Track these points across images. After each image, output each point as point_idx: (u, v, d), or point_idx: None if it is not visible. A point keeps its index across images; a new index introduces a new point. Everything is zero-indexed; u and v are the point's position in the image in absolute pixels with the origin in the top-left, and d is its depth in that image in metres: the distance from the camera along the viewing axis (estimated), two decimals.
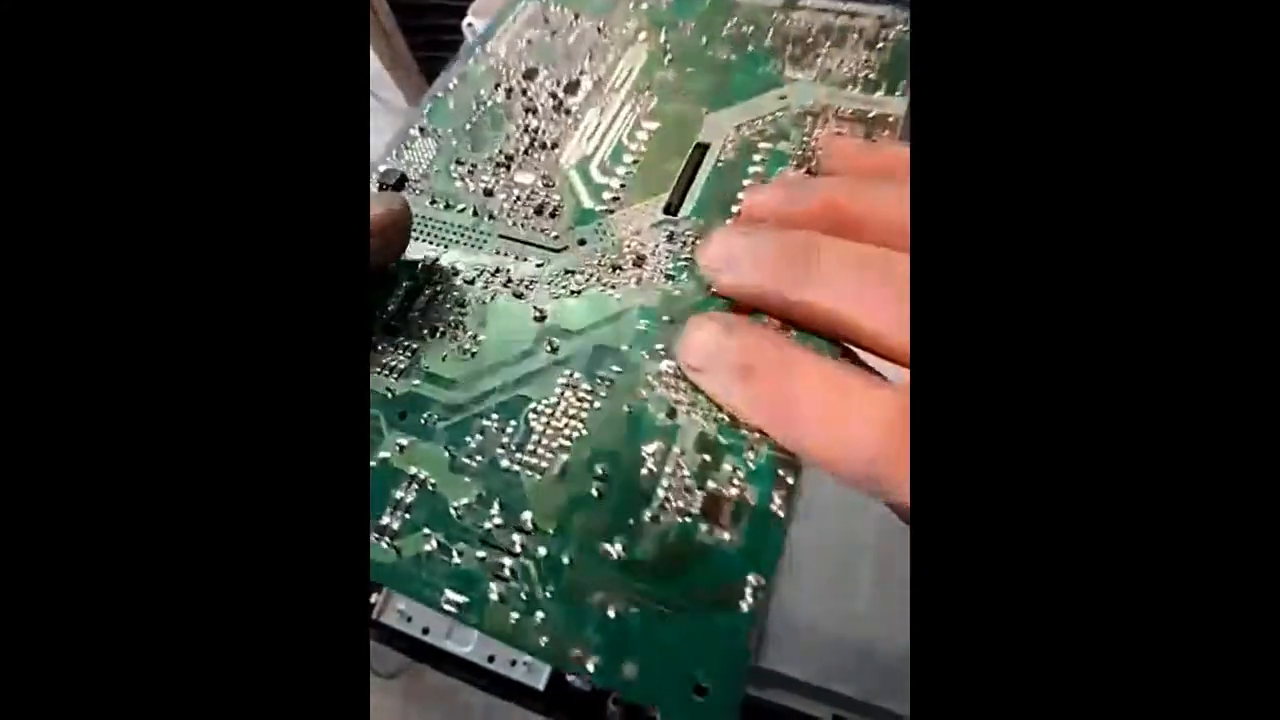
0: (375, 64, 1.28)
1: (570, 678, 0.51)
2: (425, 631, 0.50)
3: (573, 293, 0.19)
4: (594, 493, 0.15)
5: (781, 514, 0.14)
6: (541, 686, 0.48)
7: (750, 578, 0.13)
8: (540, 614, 0.14)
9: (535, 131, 0.23)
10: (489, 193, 0.22)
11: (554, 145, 0.23)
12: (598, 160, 0.22)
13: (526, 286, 0.20)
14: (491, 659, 0.49)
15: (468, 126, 0.24)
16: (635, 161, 0.22)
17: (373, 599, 0.52)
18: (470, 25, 0.84)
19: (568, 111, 0.24)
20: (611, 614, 0.13)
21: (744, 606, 0.13)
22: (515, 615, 0.14)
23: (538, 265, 0.20)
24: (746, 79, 0.23)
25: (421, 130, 0.25)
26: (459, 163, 0.23)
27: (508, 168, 0.23)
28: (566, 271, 0.20)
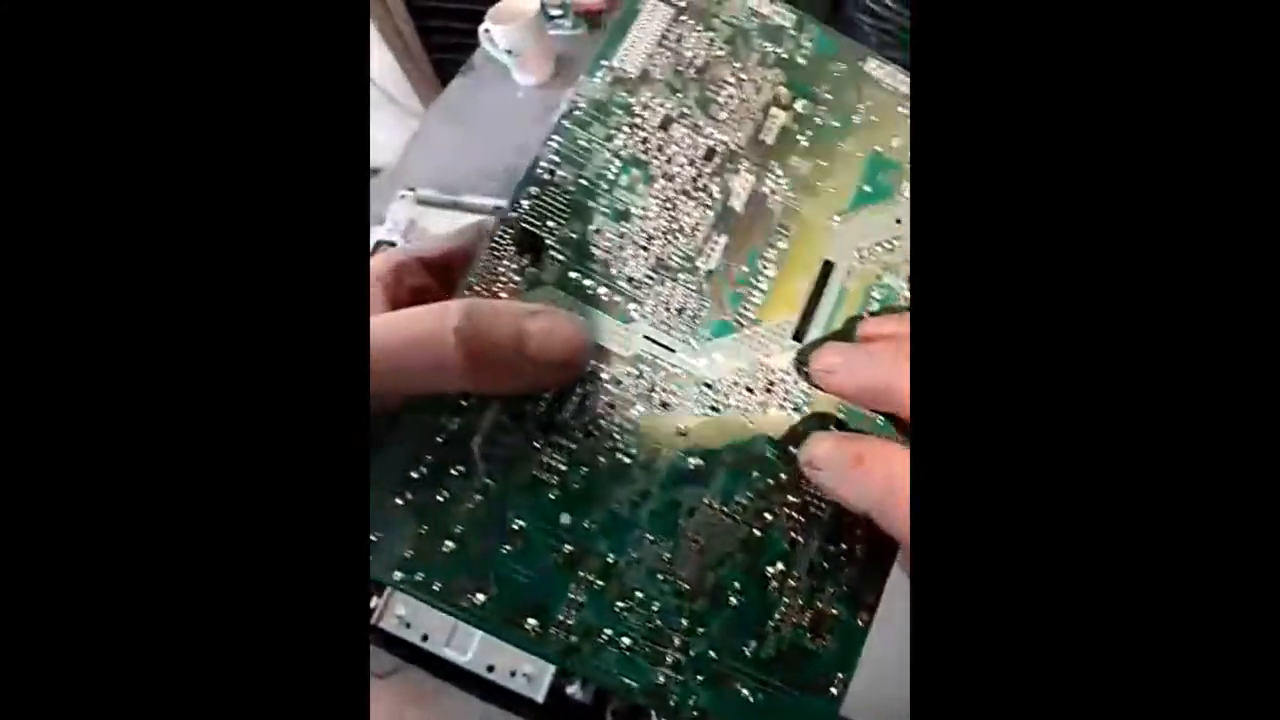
0: (391, 64, 1.29)
1: (570, 689, 0.50)
2: (425, 639, 0.50)
3: (711, 409, 0.20)
4: (732, 602, 0.19)
5: (864, 626, 0.19)
6: (541, 698, 0.48)
7: (839, 674, 0.19)
8: (693, 697, 0.19)
9: (673, 207, 0.21)
10: (633, 282, 0.20)
11: (693, 230, 0.21)
12: (736, 270, 0.21)
13: (670, 394, 0.20)
14: (491, 669, 0.49)
15: (603, 182, 0.21)
16: (768, 270, 0.21)
17: (373, 603, 0.51)
18: (487, 31, 0.85)
19: (704, 189, 0.21)
20: (745, 694, 0.19)
21: (834, 693, 0.19)
22: (674, 698, 0.19)
23: (676, 369, 0.20)
24: (870, 189, 0.23)
25: (541, 174, 0.20)
26: (596, 233, 0.20)
27: (646, 249, 0.21)
28: (705, 385, 0.20)
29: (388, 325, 0.16)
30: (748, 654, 0.19)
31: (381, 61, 1.22)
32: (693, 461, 0.20)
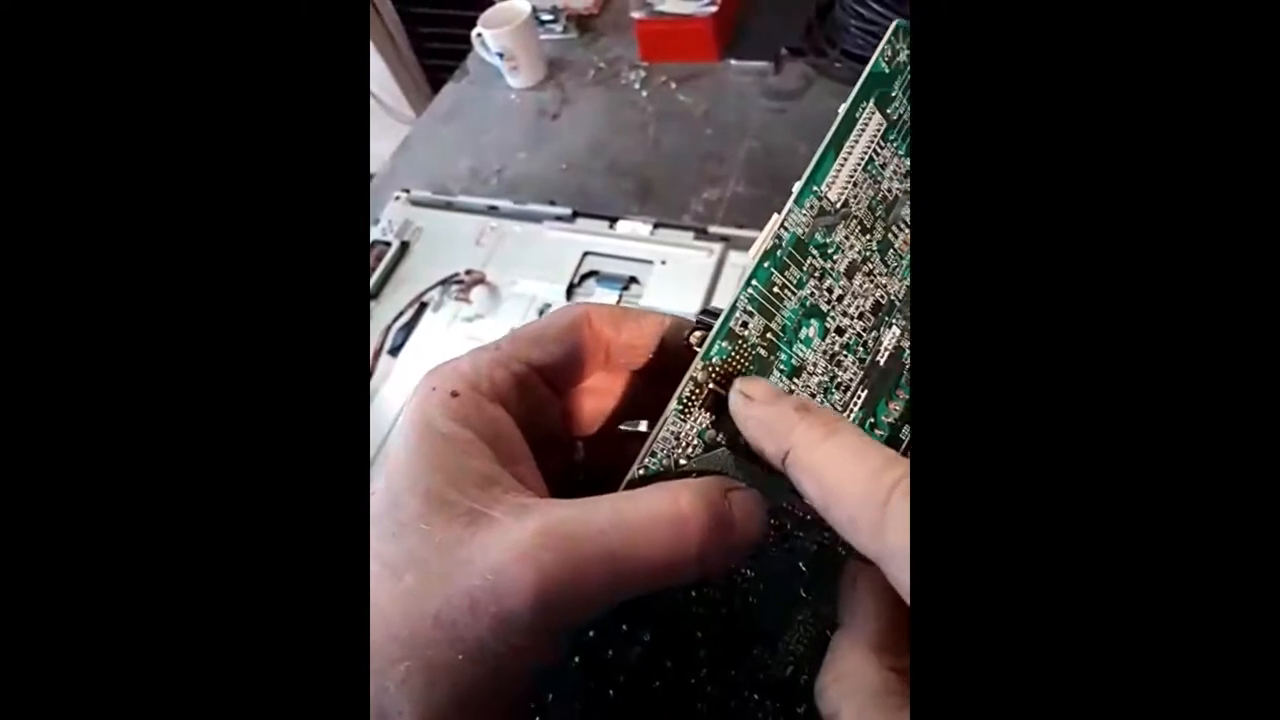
0: (383, 72, 1.29)
1: None
2: None
3: (819, 544, 0.21)
4: None
5: None
6: None
7: None
8: None
9: (836, 364, 0.20)
10: None
11: (845, 387, 0.21)
12: (865, 421, 0.22)
13: (798, 541, 0.21)
14: None
15: (786, 334, 0.19)
16: (888, 418, 0.22)
17: None
18: (480, 35, 0.85)
19: (864, 343, 0.21)
20: None
21: None
22: None
23: (804, 517, 0.21)
24: None
25: (735, 327, 0.19)
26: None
27: (807, 409, 0.20)
28: (819, 536, 0.21)
29: (621, 528, 0.15)
30: None
31: (374, 69, 1.23)
32: (801, 591, 0.21)
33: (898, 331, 0.22)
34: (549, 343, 0.19)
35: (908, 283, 0.21)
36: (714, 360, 0.18)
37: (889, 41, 0.20)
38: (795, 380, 0.20)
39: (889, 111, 0.20)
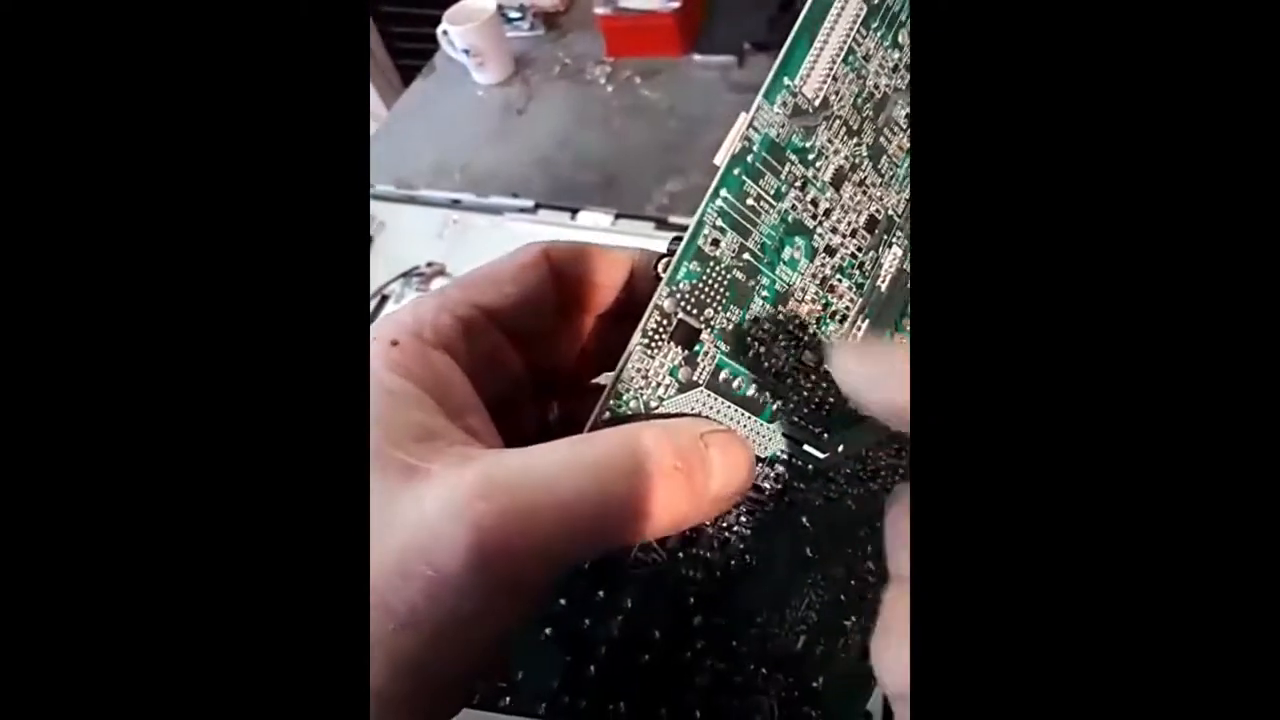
0: None
1: None
2: None
3: (827, 499, 0.19)
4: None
5: None
6: None
7: None
8: None
9: (829, 289, 0.18)
10: (780, 376, 0.18)
11: (841, 318, 0.18)
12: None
13: (798, 491, 0.19)
14: None
15: (766, 255, 0.17)
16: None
17: None
18: (445, 32, 0.85)
19: (860, 265, 0.18)
20: None
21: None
22: None
23: (804, 466, 0.19)
24: None
25: (704, 247, 0.16)
26: (754, 322, 0.17)
27: (798, 343, 0.18)
28: (826, 477, 0.19)
29: (571, 473, 0.13)
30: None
31: None
32: (808, 550, 0.19)
33: (899, 252, 0.19)
34: (502, 284, 0.17)
35: (907, 195, 0.19)
36: (681, 285, 0.16)
37: None
38: (781, 308, 0.17)
39: None
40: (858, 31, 0.17)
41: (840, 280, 0.18)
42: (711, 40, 0.79)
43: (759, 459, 0.17)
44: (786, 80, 0.16)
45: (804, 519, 0.19)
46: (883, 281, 0.19)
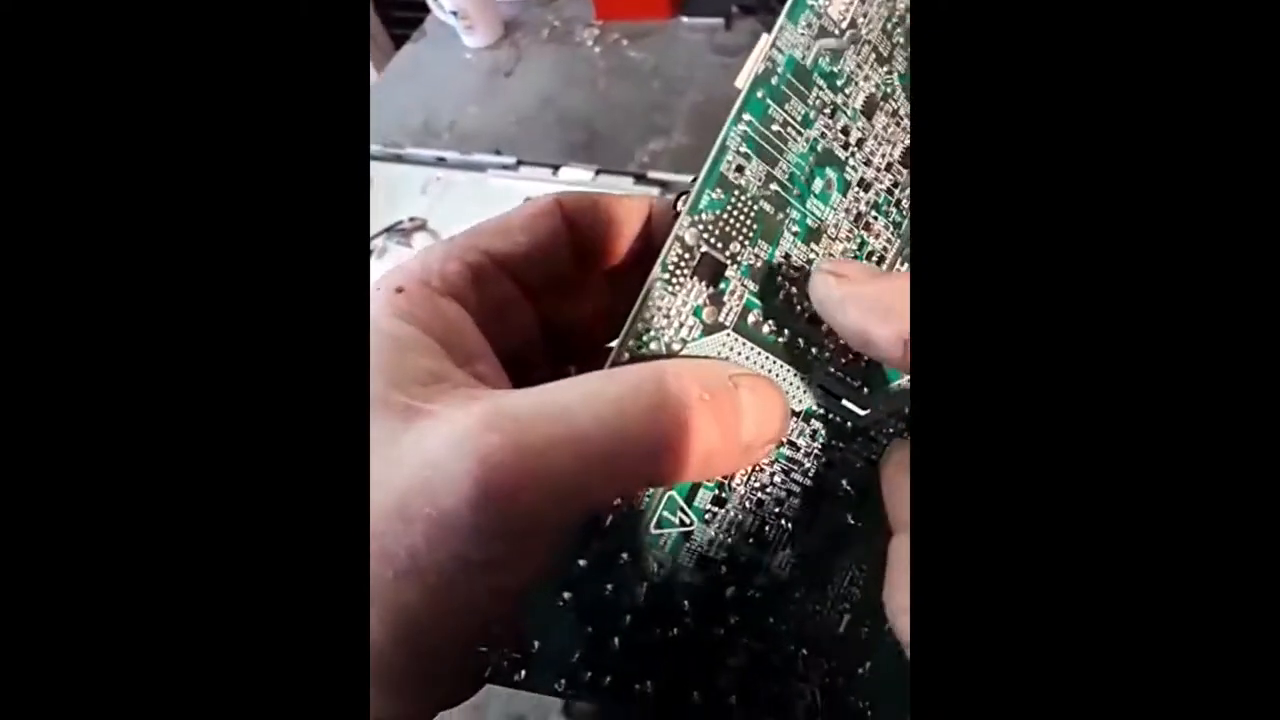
0: None
1: None
2: None
3: (869, 460, 0.18)
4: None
5: None
6: None
7: None
8: None
9: (865, 226, 0.17)
10: (814, 322, 0.16)
11: (879, 259, 0.17)
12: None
13: (836, 451, 0.17)
14: None
15: (795, 187, 0.16)
16: None
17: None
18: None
19: (897, 203, 0.17)
20: None
21: None
22: None
23: (844, 424, 0.17)
24: None
25: (728, 172, 0.15)
26: (786, 259, 0.16)
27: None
28: (868, 435, 0.17)
29: (587, 405, 0.12)
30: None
31: None
32: (850, 518, 0.17)
33: None
34: (513, 232, 0.16)
35: None
36: (704, 215, 0.14)
37: None
38: (814, 246, 0.16)
39: None
40: None
41: (876, 218, 0.17)
42: (700, 3, 0.79)
43: (794, 412, 0.16)
44: (810, 1, 0.15)
45: (844, 482, 0.17)
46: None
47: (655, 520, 0.15)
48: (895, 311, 0.13)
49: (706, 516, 0.16)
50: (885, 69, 0.17)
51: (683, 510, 0.15)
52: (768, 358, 0.16)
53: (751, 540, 0.16)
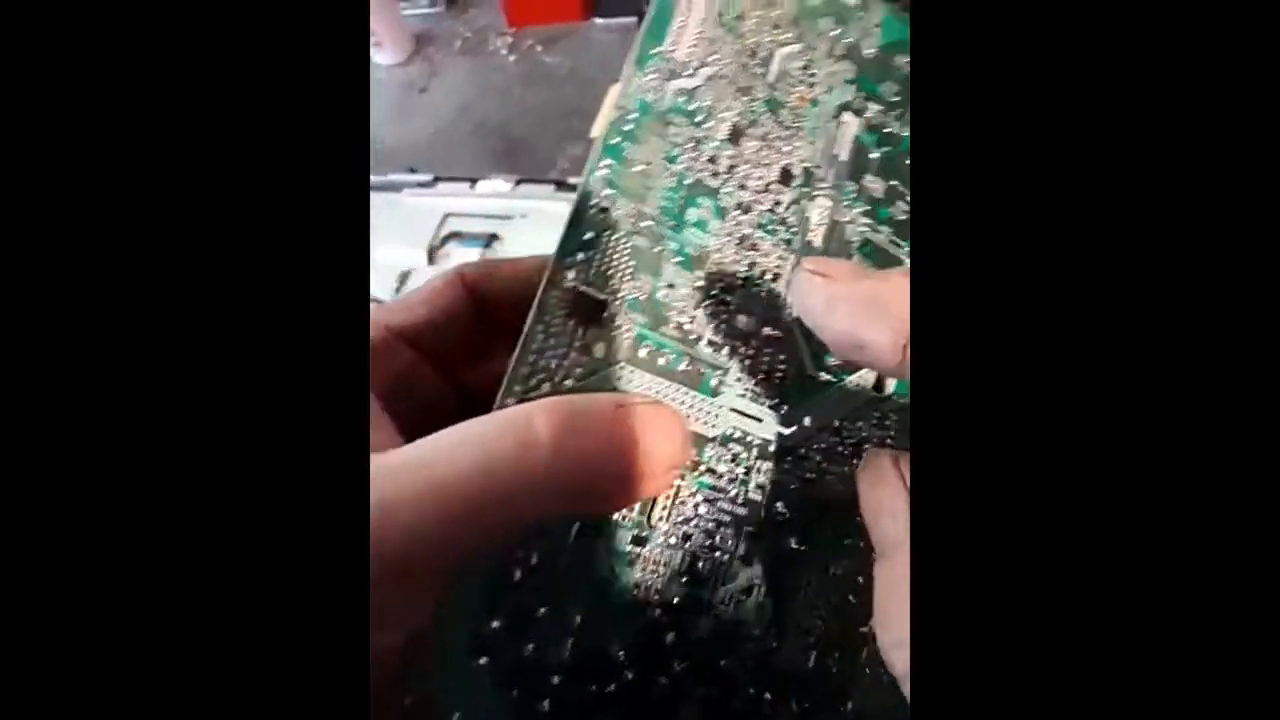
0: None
1: None
2: None
3: (803, 479, 0.17)
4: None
5: None
6: None
7: None
8: None
9: (751, 247, 0.17)
10: (714, 345, 0.16)
11: (773, 275, 0.17)
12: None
13: (762, 473, 0.16)
14: None
15: (669, 219, 0.16)
16: None
17: None
18: None
19: (781, 220, 0.17)
20: None
21: None
22: None
23: (765, 442, 0.16)
24: None
25: (594, 214, 0.15)
26: (669, 288, 0.16)
27: (726, 301, 0.16)
28: (797, 455, 0.17)
29: (449, 454, 0.12)
30: None
31: None
32: (793, 542, 0.16)
33: (828, 203, 0.18)
34: (414, 306, 0.17)
35: (821, 145, 0.18)
36: (575, 257, 0.15)
37: None
38: (699, 272, 0.16)
39: None
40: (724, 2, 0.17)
41: (763, 238, 0.17)
42: (611, 3, 0.78)
43: (707, 439, 0.16)
44: (655, 49, 0.16)
45: (779, 505, 0.16)
46: (814, 236, 0.17)
47: (564, 562, 0.14)
48: (891, 312, 0.12)
49: (630, 558, 0.15)
50: (747, 98, 0.17)
51: (601, 556, 0.15)
52: (670, 385, 0.15)
53: (685, 579, 0.15)
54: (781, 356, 0.17)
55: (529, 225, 0.57)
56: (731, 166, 0.17)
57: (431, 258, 0.57)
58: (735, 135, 0.17)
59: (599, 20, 0.78)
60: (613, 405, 0.13)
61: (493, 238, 0.58)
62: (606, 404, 0.13)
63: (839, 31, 0.19)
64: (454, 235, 0.58)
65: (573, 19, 0.78)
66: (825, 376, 0.17)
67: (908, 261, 0.18)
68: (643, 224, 0.15)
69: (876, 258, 0.18)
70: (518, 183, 0.61)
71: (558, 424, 0.12)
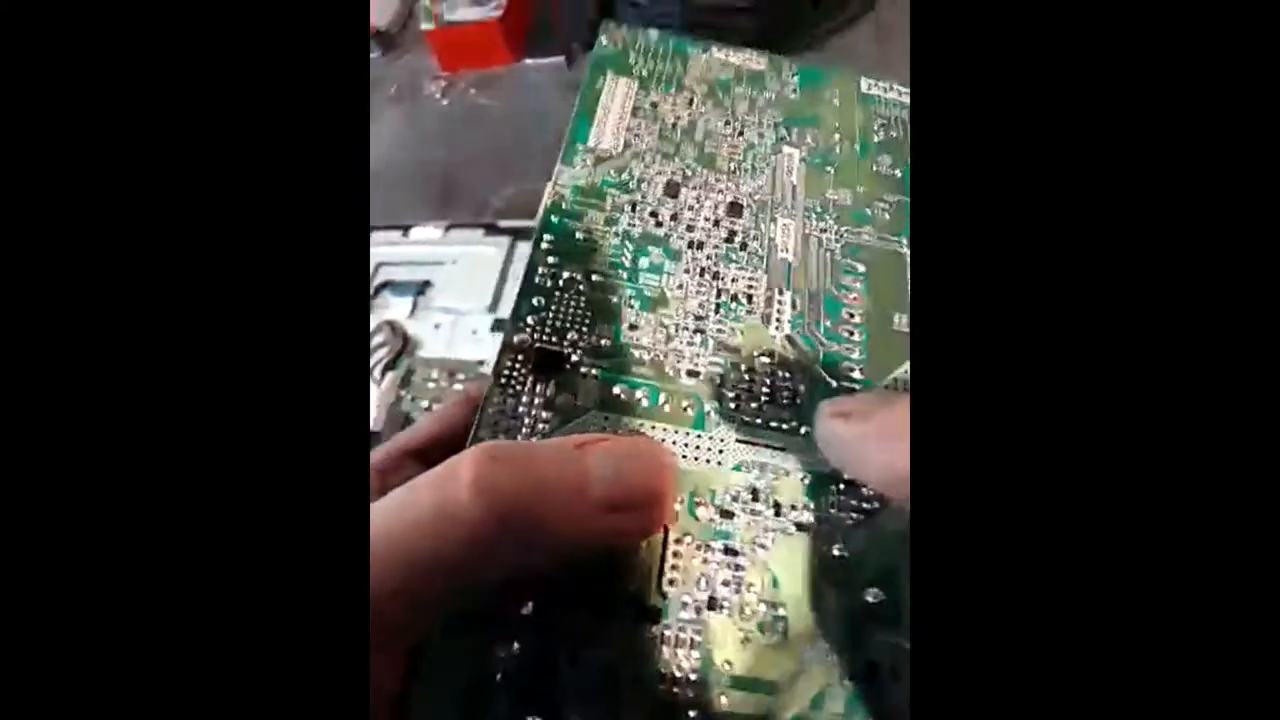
0: None
1: None
2: None
3: (857, 518, 0.14)
4: None
5: None
6: None
7: None
8: None
9: (715, 275, 0.17)
10: (698, 376, 0.15)
11: (747, 295, 0.17)
12: (822, 328, 0.17)
13: (798, 509, 0.14)
14: None
15: (620, 271, 0.16)
16: (856, 318, 0.17)
17: None
18: None
19: (743, 245, 0.17)
20: None
21: None
22: None
23: (790, 469, 0.15)
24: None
25: (542, 282, 0.16)
26: (632, 329, 0.16)
27: (700, 332, 0.16)
28: (826, 480, 0.15)
29: (382, 515, 0.11)
30: None
31: None
32: (869, 596, 0.14)
33: (790, 222, 0.18)
34: (424, 424, 0.18)
35: (766, 176, 0.18)
36: (529, 320, 0.15)
37: (603, 31, 0.21)
38: (663, 311, 0.16)
39: (636, 72, 0.20)
40: (638, 94, 0.19)
41: (727, 265, 0.17)
42: (541, 44, 0.80)
43: (714, 477, 0.14)
44: (580, 145, 0.18)
45: (836, 548, 0.14)
46: (785, 251, 0.17)
47: (568, 660, 0.13)
48: None
49: (645, 638, 0.13)
50: (677, 159, 0.18)
51: (602, 637, 0.13)
52: (654, 426, 0.15)
53: (726, 663, 0.13)
54: (785, 375, 0.16)
55: (459, 270, 0.58)
56: (674, 215, 0.17)
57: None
58: (672, 189, 0.18)
59: (530, 61, 0.80)
60: (557, 445, 0.12)
61: (426, 284, 0.59)
62: (550, 444, 0.13)
63: (755, 91, 0.21)
64: (387, 284, 0.59)
65: (504, 61, 0.80)
66: (845, 384, 0.16)
67: (906, 251, 0.18)
68: (593, 278, 0.16)
69: (864, 254, 0.18)
70: (448, 228, 0.62)
71: (481, 464, 0.11)
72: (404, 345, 0.54)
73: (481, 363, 0.49)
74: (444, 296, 0.57)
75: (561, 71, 0.77)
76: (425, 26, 0.79)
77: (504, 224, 0.61)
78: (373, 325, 0.55)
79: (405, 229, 0.63)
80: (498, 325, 0.51)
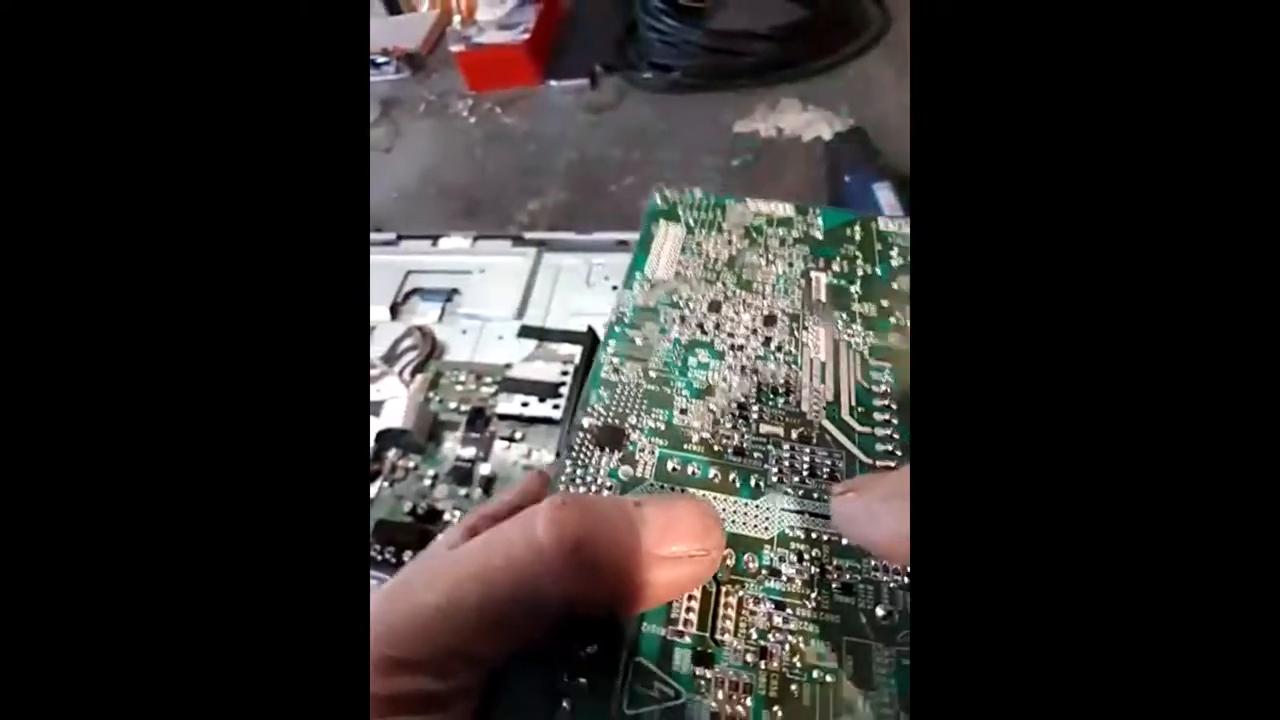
0: None
1: None
2: None
3: (900, 579, 0.15)
4: None
5: None
6: None
7: None
8: None
9: (755, 371, 0.19)
10: (743, 453, 0.17)
11: (785, 386, 0.19)
12: (854, 412, 0.19)
13: (843, 571, 0.15)
14: None
15: (673, 369, 0.19)
16: (889, 402, 0.19)
17: None
18: None
19: (779, 348, 0.20)
20: None
21: None
22: None
23: (834, 539, 0.16)
24: None
25: (607, 376, 0.19)
26: (683, 413, 0.18)
27: (744, 417, 0.18)
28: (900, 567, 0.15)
29: (468, 552, 0.13)
30: None
31: None
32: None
33: (822, 330, 0.20)
34: (504, 496, 0.19)
35: (796, 296, 0.21)
36: (594, 405, 0.18)
37: (656, 190, 0.24)
38: (709, 399, 0.19)
39: (684, 220, 0.24)
40: (685, 240, 0.23)
41: (764, 362, 0.20)
42: (565, 66, 0.83)
43: (763, 540, 0.15)
44: (638, 274, 0.22)
45: (879, 610, 0.15)
46: (818, 353, 0.20)
47: (627, 699, 0.13)
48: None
49: (699, 684, 0.13)
50: (719, 284, 0.22)
51: (661, 680, 0.13)
52: (705, 494, 0.16)
53: (776, 708, 0.13)
54: (823, 453, 0.17)
55: (487, 279, 0.60)
56: (717, 325, 0.21)
57: (395, 313, 0.61)
58: (715, 306, 0.21)
59: (554, 83, 0.83)
60: (618, 500, 0.14)
61: (454, 291, 0.61)
62: (611, 498, 0.15)
63: (784, 231, 0.24)
64: (416, 291, 0.62)
65: (529, 82, 0.83)
66: (881, 464, 0.17)
67: None
68: (650, 374, 0.19)
69: (890, 354, 0.20)
70: (476, 238, 0.65)
71: (558, 510, 0.13)
72: (432, 349, 0.56)
73: (507, 366, 0.51)
74: (471, 303, 0.59)
75: (584, 93, 0.81)
76: (455, 49, 0.83)
77: (529, 235, 0.64)
78: (402, 330, 0.57)
79: (434, 238, 0.66)
80: (523, 331, 0.53)
